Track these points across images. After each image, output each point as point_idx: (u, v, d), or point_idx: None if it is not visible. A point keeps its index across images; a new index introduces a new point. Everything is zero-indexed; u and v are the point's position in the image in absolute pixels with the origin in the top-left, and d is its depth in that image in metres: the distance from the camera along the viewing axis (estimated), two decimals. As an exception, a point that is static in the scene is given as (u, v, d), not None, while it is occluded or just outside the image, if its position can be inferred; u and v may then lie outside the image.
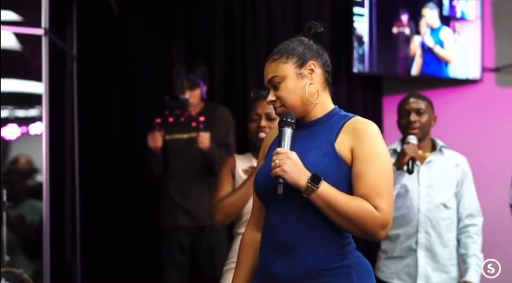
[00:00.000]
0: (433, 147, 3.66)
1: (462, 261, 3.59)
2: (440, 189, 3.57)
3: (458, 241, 3.59)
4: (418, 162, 3.56)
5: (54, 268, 4.59)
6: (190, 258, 4.48)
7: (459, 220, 3.59)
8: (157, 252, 4.70)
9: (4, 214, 4.37)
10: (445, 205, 3.56)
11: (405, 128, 3.58)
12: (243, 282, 2.34)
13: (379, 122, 5.27)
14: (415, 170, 3.52)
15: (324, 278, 2.14)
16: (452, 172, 3.60)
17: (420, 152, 3.54)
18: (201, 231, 4.38)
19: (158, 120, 4.38)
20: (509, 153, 5.02)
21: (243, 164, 3.30)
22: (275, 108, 2.28)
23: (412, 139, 3.51)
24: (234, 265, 3.11)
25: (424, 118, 3.58)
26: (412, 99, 3.62)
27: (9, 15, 4.86)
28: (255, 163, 3.25)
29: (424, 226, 3.54)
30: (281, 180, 2.11)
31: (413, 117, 3.56)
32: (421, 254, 3.53)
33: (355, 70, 5.21)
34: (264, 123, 3.19)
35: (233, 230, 3.31)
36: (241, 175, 3.27)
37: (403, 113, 3.61)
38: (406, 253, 3.56)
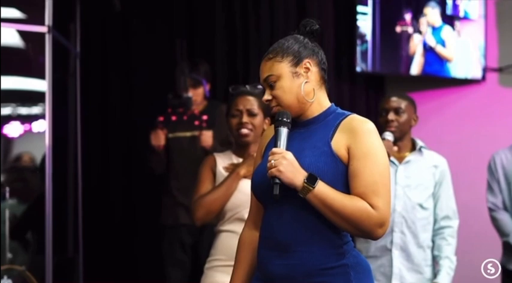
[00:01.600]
0: (413, 147, 3.64)
1: (436, 263, 3.58)
2: (417, 189, 3.55)
3: (433, 242, 3.58)
4: (396, 161, 3.55)
5: (56, 265, 4.59)
6: (191, 256, 4.49)
7: (435, 221, 3.57)
8: (159, 249, 4.70)
9: (7, 212, 4.39)
10: (421, 206, 3.54)
11: (383, 126, 3.56)
12: (241, 282, 2.34)
13: (381, 121, 5.27)
14: (393, 169, 3.52)
15: (321, 277, 2.13)
16: (430, 172, 3.58)
17: (395, 148, 3.54)
18: (203, 229, 4.38)
19: (161, 119, 4.39)
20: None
21: (223, 162, 3.26)
22: (271, 108, 2.26)
23: (388, 135, 3.51)
24: (216, 263, 3.13)
25: (403, 117, 3.56)
26: (393, 98, 3.60)
27: (12, 12, 4.86)
28: (235, 160, 3.23)
29: (400, 226, 3.51)
30: (277, 181, 2.10)
31: (391, 115, 3.54)
32: (396, 254, 3.51)
33: (358, 69, 5.21)
34: (245, 119, 3.15)
35: (215, 228, 3.27)
36: (222, 172, 3.23)
37: (382, 112, 3.59)
38: (380, 252, 3.53)
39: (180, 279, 4.46)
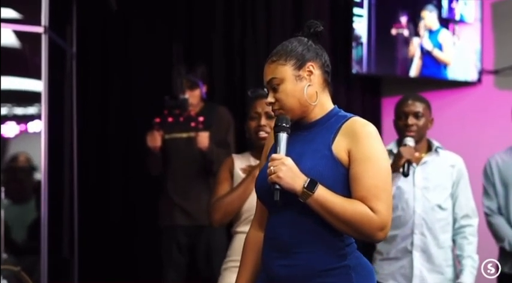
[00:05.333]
0: (429, 148, 3.64)
1: (458, 262, 3.59)
2: (435, 191, 3.55)
3: (454, 242, 3.58)
4: (414, 164, 3.53)
5: (51, 267, 4.59)
6: (188, 258, 4.49)
7: (455, 220, 3.58)
8: (155, 251, 4.70)
9: (2, 212, 4.37)
10: (440, 207, 3.54)
11: (402, 130, 3.56)
12: (247, 282, 2.35)
13: (377, 123, 5.28)
14: (411, 171, 3.50)
15: (323, 278, 2.14)
16: (447, 172, 3.58)
17: (417, 154, 3.52)
18: (200, 230, 4.39)
19: (157, 120, 4.39)
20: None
21: (241, 163, 3.29)
22: (273, 110, 2.27)
23: (409, 141, 3.49)
24: (232, 264, 3.15)
25: (422, 121, 3.55)
26: (410, 101, 3.57)
27: (9, 12, 4.85)
28: (253, 162, 3.25)
29: (420, 228, 3.52)
30: (277, 186, 2.11)
31: (411, 120, 3.53)
32: (417, 255, 3.52)
33: (353, 71, 5.22)
34: (263, 121, 3.17)
35: (231, 229, 3.30)
36: (240, 174, 3.26)
37: (401, 115, 3.57)
38: (401, 254, 3.54)
39: (176, 280, 4.46)
